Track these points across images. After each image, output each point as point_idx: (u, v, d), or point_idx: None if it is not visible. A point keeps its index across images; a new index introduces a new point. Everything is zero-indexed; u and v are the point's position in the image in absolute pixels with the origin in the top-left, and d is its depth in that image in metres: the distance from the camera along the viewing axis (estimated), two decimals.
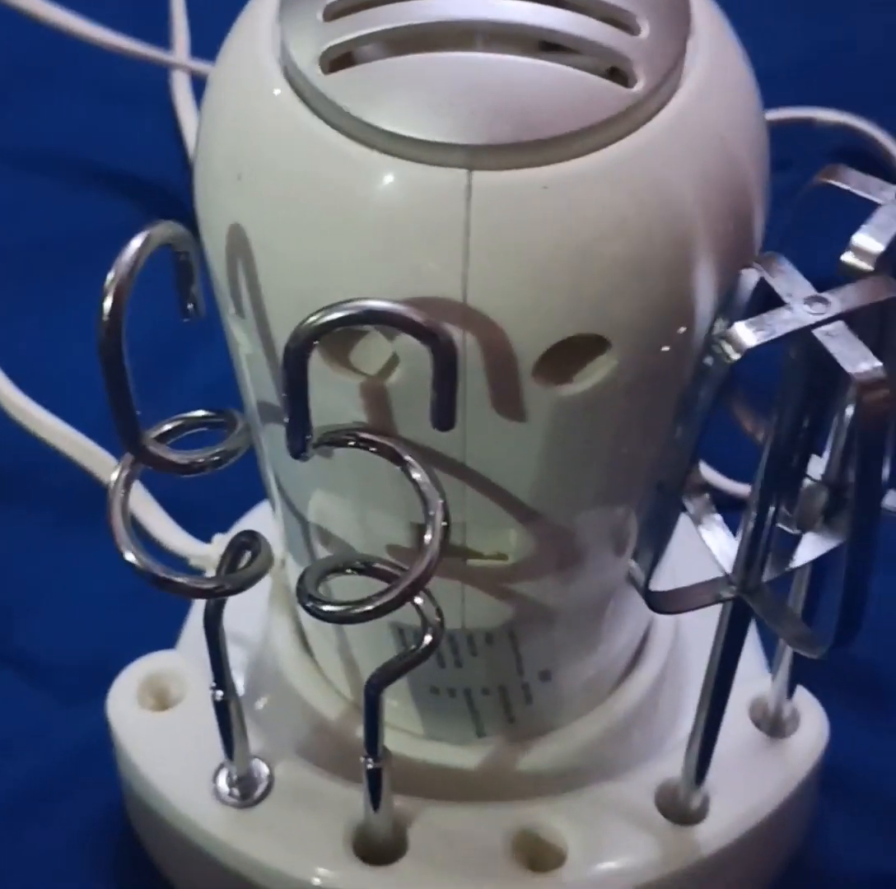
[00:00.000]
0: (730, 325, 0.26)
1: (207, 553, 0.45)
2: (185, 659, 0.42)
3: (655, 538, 0.31)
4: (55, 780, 0.44)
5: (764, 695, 0.40)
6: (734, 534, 0.32)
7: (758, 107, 0.30)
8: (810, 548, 0.32)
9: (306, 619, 0.42)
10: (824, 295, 0.26)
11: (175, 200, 0.58)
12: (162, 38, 0.61)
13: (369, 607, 0.30)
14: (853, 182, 0.28)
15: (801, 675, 0.39)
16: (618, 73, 0.28)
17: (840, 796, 0.43)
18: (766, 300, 0.27)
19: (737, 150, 0.28)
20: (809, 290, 0.26)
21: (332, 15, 0.28)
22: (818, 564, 0.33)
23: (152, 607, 0.47)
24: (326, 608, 0.30)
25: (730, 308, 0.28)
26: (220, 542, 0.45)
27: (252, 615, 0.44)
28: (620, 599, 0.38)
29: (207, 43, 0.60)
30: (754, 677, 0.42)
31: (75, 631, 0.48)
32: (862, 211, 0.28)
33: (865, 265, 0.27)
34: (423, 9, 0.27)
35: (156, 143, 0.60)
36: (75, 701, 0.46)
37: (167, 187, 0.59)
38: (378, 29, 0.27)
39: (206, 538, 0.46)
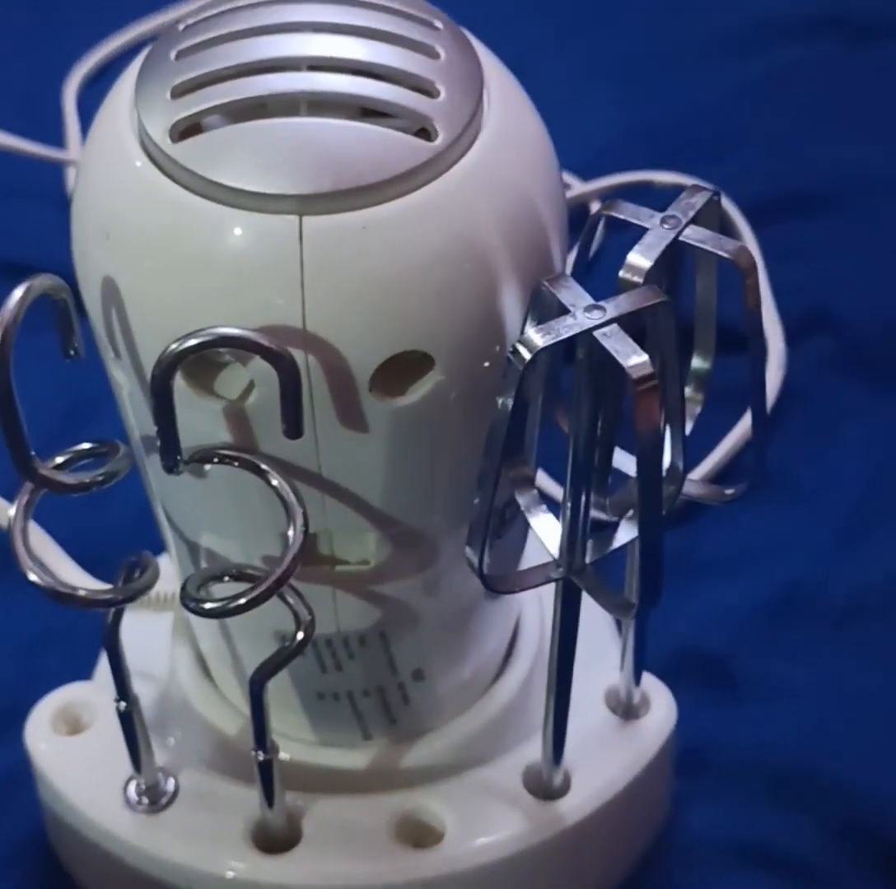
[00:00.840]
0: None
1: (101, 586, 0.48)
2: (97, 688, 0.46)
3: (481, 523, 0.35)
4: None
5: (616, 683, 0.45)
6: None
7: (549, 152, 0.35)
8: (625, 532, 0.37)
9: (204, 645, 0.46)
10: (601, 303, 0.31)
11: (72, 285, 0.63)
12: (55, 137, 0.65)
13: (242, 601, 0.34)
14: (628, 212, 0.33)
15: (644, 663, 0.44)
16: (423, 132, 0.33)
17: (697, 776, 0.48)
18: (560, 313, 0.32)
19: (530, 189, 0.34)
20: (587, 301, 0.31)
21: (179, 93, 0.33)
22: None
23: (60, 649, 0.51)
24: (207, 606, 0.35)
25: (528, 320, 0.33)
26: None
27: (157, 652, 0.48)
28: (483, 604, 0.43)
29: None
30: (611, 668, 0.47)
31: None
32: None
33: (637, 279, 0.32)
34: (256, 84, 0.32)
35: (52, 235, 0.64)
36: None
37: (64, 273, 0.63)
38: (218, 103, 0.32)
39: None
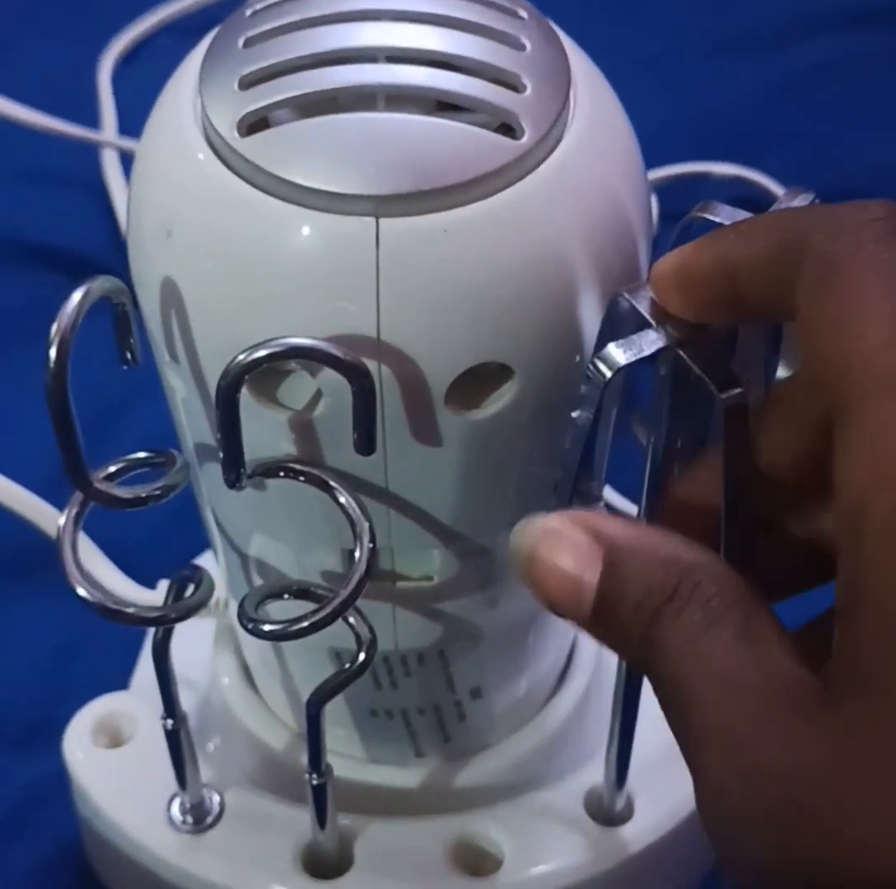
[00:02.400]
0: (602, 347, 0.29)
1: (152, 598, 0.47)
2: (137, 699, 0.44)
3: None
4: (11, 825, 0.46)
5: None
6: None
7: (636, 153, 0.33)
8: None
9: (251, 656, 0.44)
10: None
11: (107, 271, 0.61)
12: (90, 117, 0.64)
13: (305, 624, 0.32)
14: (723, 214, 0.31)
15: None
16: (507, 128, 0.31)
17: None
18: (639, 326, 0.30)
19: (618, 192, 0.31)
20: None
21: (247, 84, 0.31)
22: None
23: (96, 655, 0.50)
24: (266, 628, 0.33)
25: (603, 333, 0.31)
26: (165, 586, 0.47)
27: (198, 659, 0.46)
28: (543, 620, 0.41)
29: (135, 121, 0.63)
30: None
31: (22, 682, 0.50)
32: None
33: None
34: (329, 75, 0.30)
35: (87, 219, 0.63)
36: (25, 748, 0.48)
37: (99, 259, 0.61)
38: (290, 95, 0.30)
39: (150, 587, 0.48)
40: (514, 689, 0.42)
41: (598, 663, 0.45)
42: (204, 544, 0.49)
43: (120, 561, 0.48)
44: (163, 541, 0.52)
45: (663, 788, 0.41)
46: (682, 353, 0.28)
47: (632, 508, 0.52)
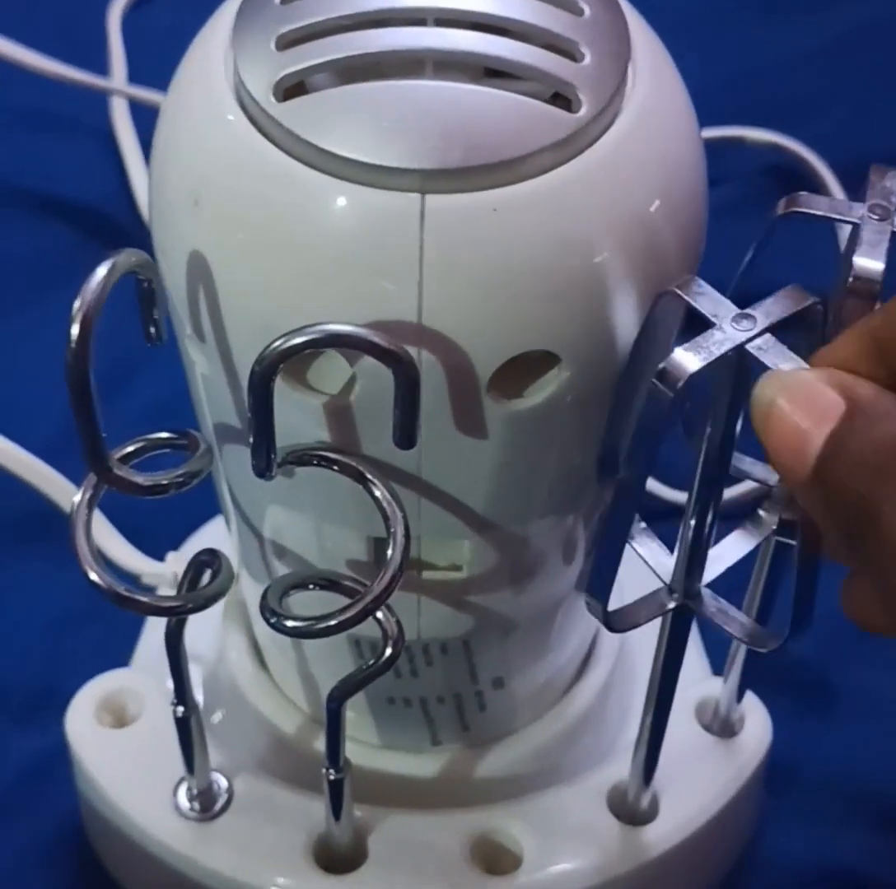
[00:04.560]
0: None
1: (161, 571, 0.45)
2: (142, 676, 0.42)
3: (610, 564, 0.31)
4: (10, 800, 0.45)
5: (709, 697, 0.41)
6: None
7: (696, 130, 0.31)
8: (738, 546, 0.33)
9: (262, 635, 0.42)
10: (749, 311, 0.27)
11: (115, 224, 0.59)
12: (100, 64, 0.61)
13: (332, 622, 0.30)
14: (821, 206, 0.29)
15: (750, 679, 0.40)
16: (561, 99, 0.29)
17: (785, 792, 0.45)
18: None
19: (678, 171, 0.29)
20: (732, 309, 0.27)
21: (284, 44, 0.28)
22: (774, 566, 0.34)
23: (98, 628, 0.48)
24: (290, 624, 0.31)
25: (648, 331, 0.29)
26: (174, 559, 0.46)
27: (205, 631, 0.44)
28: (569, 609, 0.39)
29: (145, 69, 0.61)
30: (699, 680, 0.43)
31: (23, 652, 0.48)
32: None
33: (876, 286, 0.28)
34: (374, 38, 0.28)
35: (94, 169, 0.61)
36: (26, 721, 0.46)
37: (107, 211, 0.59)
38: (331, 58, 0.28)
39: (157, 555, 0.46)
40: (537, 678, 0.41)
41: (620, 650, 0.44)
42: (215, 509, 0.47)
43: (126, 525, 0.47)
44: (171, 508, 0.50)
45: (690, 787, 0.40)
46: (750, 349, 0.26)
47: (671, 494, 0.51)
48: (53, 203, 0.60)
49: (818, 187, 0.60)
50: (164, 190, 0.30)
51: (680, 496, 0.49)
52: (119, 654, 0.46)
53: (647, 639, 0.38)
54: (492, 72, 0.29)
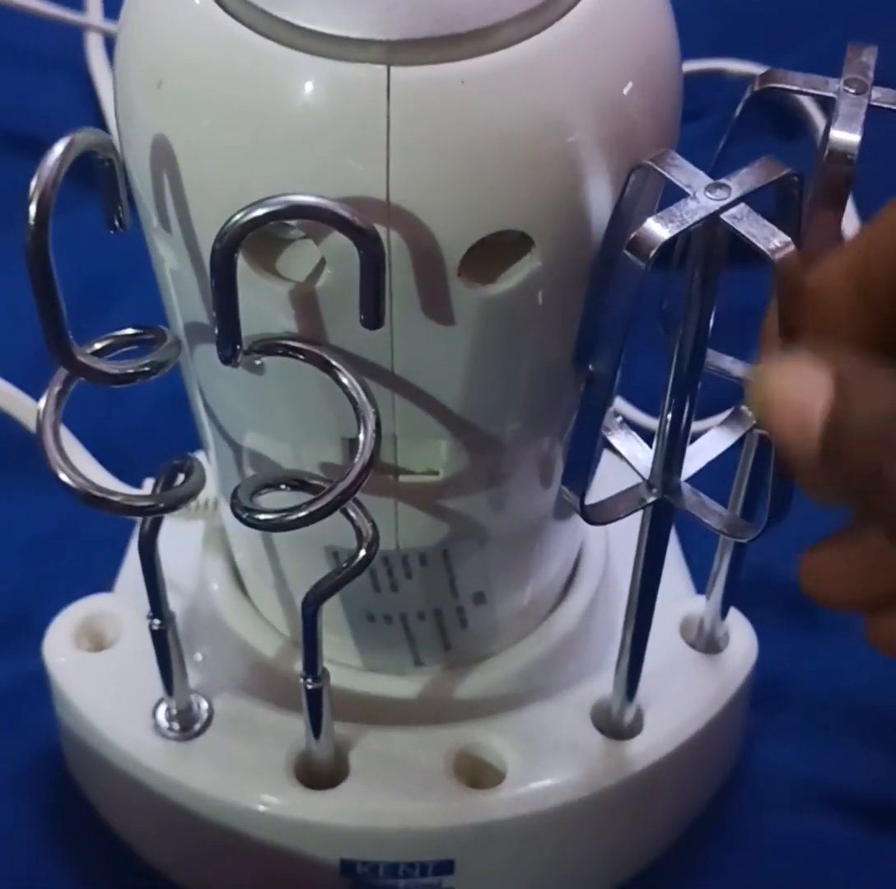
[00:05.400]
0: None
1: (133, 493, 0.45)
2: (120, 601, 0.42)
3: (585, 451, 0.31)
4: None
5: (693, 614, 0.41)
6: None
7: (668, 9, 0.30)
8: (718, 442, 0.32)
9: (242, 559, 0.42)
10: (723, 181, 0.27)
11: (90, 161, 0.58)
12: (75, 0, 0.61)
13: (303, 513, 0.30)
14: (798, 82, 0.29)
15: (733, 595, 0.40)
16: None
17: (772, 710, 0.44)
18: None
19: (650, 48, 0.29)
20: (706, 180, 0.27)
21: None
22: (757, 457, 0.34)
23: (78, 554, 0.47)
24: (261, 517, 0.30)
25: (623, 209, 0.29)
26: (150, 485, 0.45)
27: (186, 563, 0.44)
28: (550, 527, 0.39)
29: (120, 4, 0.60)
30: (682, 597, 0.43)
31: (1, 579, 0.47)
32: None
33: (851, 157, 0.28)
34: None
35: (70, 105, 0.60)
36: (3, 646, 0.46)
37: None
38: None
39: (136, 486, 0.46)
40: (519, 595, 0.40)
41: (605, 572, 0.43)
42: (190, 445, 0.47)
43: (101, 461, 0.46)
44: (146, 440, 0.49)
45: (675, 702, 0.40)
46: (724, 218, 0.26)
47: (639, 416, 0.50)
48: (28, 140, 0.59)
49: (802, 120, 0.59)
50: (126, 75, 0.30)
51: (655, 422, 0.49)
52: (99, 580, 0.45)
53: (630, 561, 0.37)
54: None
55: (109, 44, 0.60)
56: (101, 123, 0.59)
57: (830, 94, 0.29)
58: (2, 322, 0.50)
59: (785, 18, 0.65)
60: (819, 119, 0.58)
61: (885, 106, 0.29)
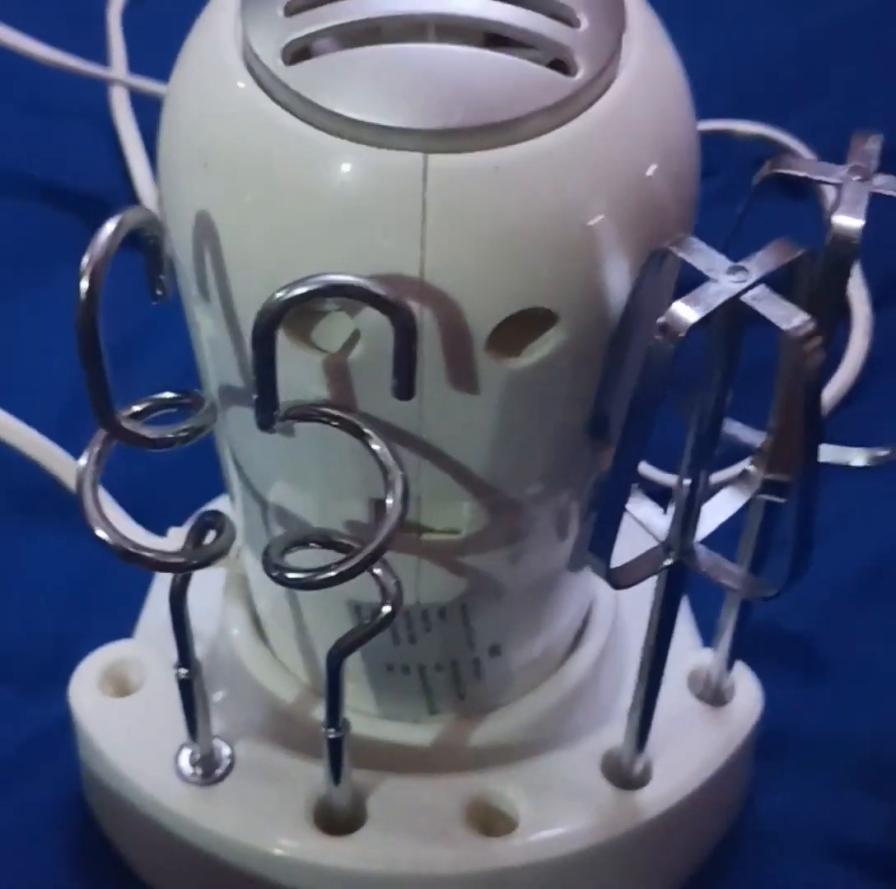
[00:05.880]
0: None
1: (164, 546, 0.46)
2: (144, 647, 0.43)
3: (612, 521, 0.32)
4: (13, 769, 0.45)
5: (701, 666, 0.42)
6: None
7: (687, 95, 0.32)
8: (729, 503, 0.34)
9: (263, 607, 0.43)
10: (742, 264, 0.28)
11: (115, 213, 0.60)
12: (100, 54, 0.62)
13: (332, 573, 0.31)
14: (805, 168, 0.30)
15: (739, 648, 0.41)
16: (560, 64, 0.29)
17: (777, 760, 0.45)
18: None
19: (673, 135, 0.30)
20: (726, 263, 0.28)
21: (292, 10, 0.29)
22: (765, 518, 0.35)
23: (102, 599, 0.49)
24: (292, 576, 0.32)
25: (642, 290, 0.30)
26: (176, 535, 0.46)
27: (206, 610, 0.45)
28: (564, 580, 0.40)
29: (145, 59, 0.62)
30: (689, 650, 0.44)
31: (30, 625, 0.49)
32: None
33: (855, 242, 0.29)
34: (378, 4, 0.29)
35: (95, 158, 0.62)
36: (30, 692, 0.47)
37: (107, 200, 0.60)
38: (338, 22, 0.29)
39: (161, 534, 0.47)
40: (533, 646, 0.41)
41: (615, 622, 0.44)
42: (213, 492, 0.48)
43: (129, 506, 0.47)
44: (171, 489, 0.50)
45: (683, 753, 0.41)
46: (746, 300, 0.27)
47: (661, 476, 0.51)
48: (55, 192, 0.60)
49: (811, 188, 0.61)
50: (173, 154, 0.31)
51: (670, 479, 0.50)
52: (123, 626, 0.46)
53: (638, 613, 0.38)
54: (491, 42, 0.30)
55: (134, 96, 0.61)
56: (125, 175, 0.60)
57: (836, 181, 0.30)
58: (34, 373, 0.52)
59: (793, 76, 0.67)
60: (828, 189, 0.59)
61: (887, 193, 0.30)
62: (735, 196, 0.63)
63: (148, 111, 0.59)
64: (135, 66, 0.62)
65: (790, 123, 0.63)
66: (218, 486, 0.41)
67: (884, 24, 0.69)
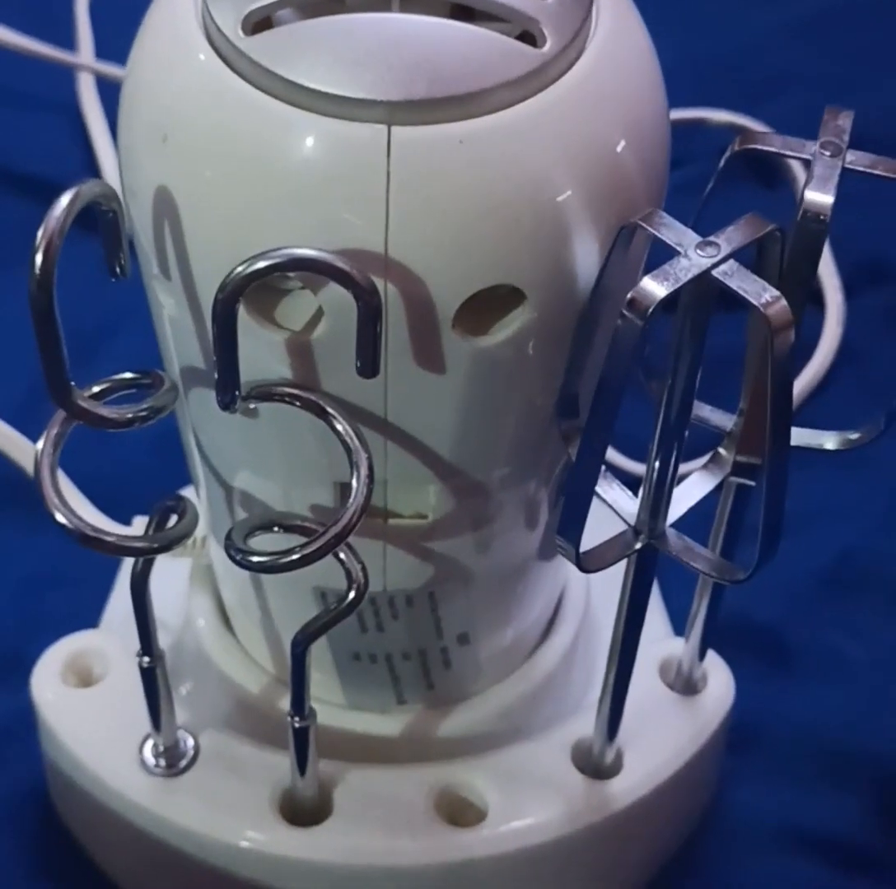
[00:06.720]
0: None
1: (127, 534, 0.45)
2: (108, 637, 0.42)
3: (581, 503, 0.31)
4: None
5: (672, 656, 0.42)
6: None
7: (657, 70, 0.31)
8: (699, 486, 0.33)
9: (229, 597, 0.42)
10: (712, 239, 0.28)
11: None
12: (67, 40, 0.61)
13: (296, 556, 0.31)
14: (777, 143, 0.30)
15: (711, 637, 0.41)
16: (527, 36, 0.29)
17: (747, 752, 0.45)
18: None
19: (641, 108, 0.30)
20: (695, 238, 0.28)
21: None
22: (736, 502, 0.34)
23: (65, 592, 0.48)
24: (255, 559, 0.31)
25: (611, 265, 0.29)
26: (140, 523, 0.46)
27: (171, 600, 0.44)
28: (535, 566, 0.39)
29: (113, 45, 0.61)
30: (661, 639, 0.44)
31: None
32: None
33: (824, 218, 0.29)
34: None
35: (61, 145, 0.61)
36: None
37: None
38: None
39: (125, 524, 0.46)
40: (502, 636, 0.41)
41: (585, 614, 0.44)
42: (179, 483, 0.47)
43: (92, 497, 0.46)
44: (134, 475, 0.50)
45: (654, 742, 0.40)
46: (716, 274, 0.27)
47: (630, 465, 0.51)
48: (19, 178, 0.59)
49: (779, 168, 0.60)
50: (132, 128, 0.30)
51: (638, 467, 0.50)
52: (86, 618, 0.46)
53: (609, 603, 0.38)
54: (458, 11, 0.30)
55: (101, 83, 0.61)
56: (91, 162, 0.60)
57: (806, 157, 0.30)
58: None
59: (765, 67, 0.67)
60: (798, 169, 0.59)
61: (859, 169, 0.30)
62: (706, 185, 0.63)
63: (115, 98, 0.58)
64: (102, 51, 0.61)
65: (761, 114, 0.62)
66: (184, 479, 0.40)
67: (856, 15, 0.69)
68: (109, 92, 0.60)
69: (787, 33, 0.68)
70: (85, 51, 0.61)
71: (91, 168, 0.60)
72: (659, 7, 0.69)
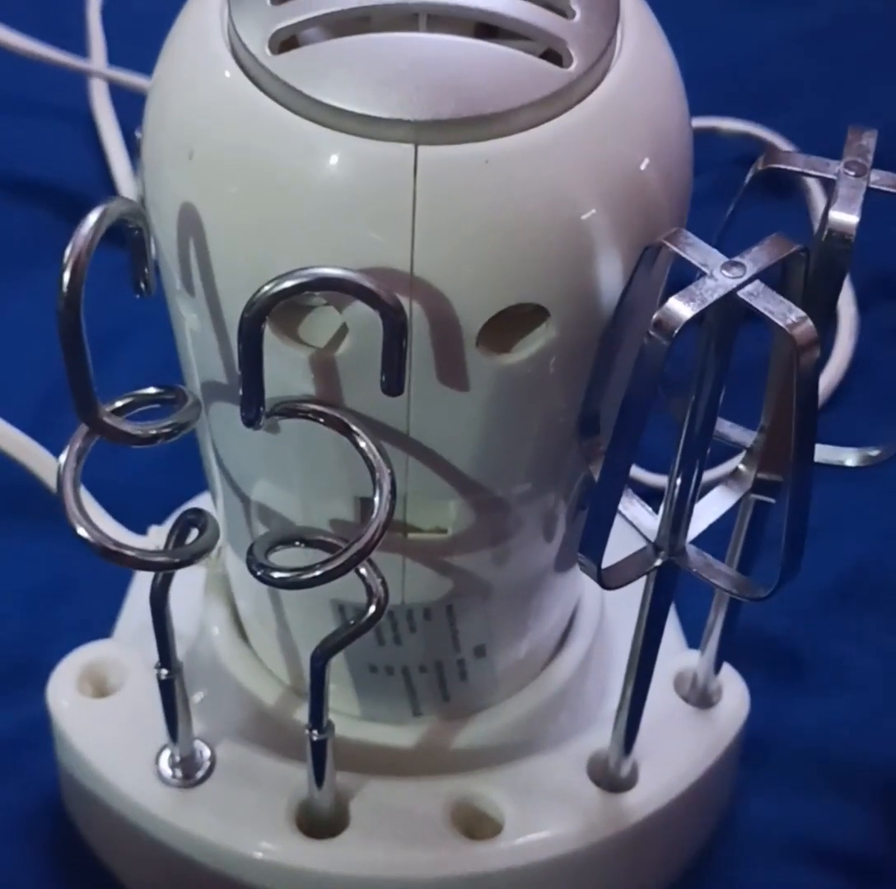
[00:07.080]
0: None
1: (143, 544, 0.45)
2: (123, 648, 0.42)
3: (603, 522, 0.31)
4: None
5: (687, 669, 0.42)
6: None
7: (681, 88, 0.31)
8: (720, 503, 0.33)
9: (244, 607, 0.42)
10: (737, 259, 0.28)
11: (94, 206, 0.59)
12: (78, 46, 0.61)
13: (318, 572, 0.31)
14: (800, 163, 0.30)
15: (726, 651, 0.41)
16: (553, 56, 0.29)
17: (761, 764, 0.45)
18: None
19: (666, 128, 0.30)
20: (721, 258, 0.28)
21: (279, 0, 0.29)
22: (755, 518, 0.34)
23: (80, 601, 0.48)
24: (276, 575, 0.31)
25: (635, 285, 0.29)
26: (156, 533, 0.46)
27: (185, 609, 0.44)
28: (550, 581, 0.39)
29: (125, 51, 0.61)
30: (676, 652, 0.44)
31: (4, 624, 0.48)
32: None
33: (849, 238, 0.29)
34: None
35: (74, 152, 0.61)
36: (7, 693, 0.46)
37: (86, 193, 0.59)
38: (326, 11, 0.28)
39: (140, 533, 0.46)
40: (518, 648, 0.41)
41: (601, 624, 0.44)
42: (193, 491, 0.47)
43: (108, 504, 0.46)
44: (151, 488, 0.50)
45: (669, 755, 0.40)
46: (741, 295, 0.27)
47: (646, 476, 0.51)
48: (33, 185, 0.59)
49: (791, 180, 0.60)
50: (157, 144, 0.31)
51: (656, 479, 0.50)
52: (101, 626, 0.46)
53: (624, 616, 0.38)
54: (483, 31, 0.30)
55: (113, 89, 0.61)
56: (103, 168, 0.60)
57: (831, 176, 0.30)
58: (10, 369, 0.51)
59: (777, 76, 0.67)
60: (812, 182, 0.59)
61: (884, 189, 0.30)
62: (721, 195, 0.63)
63: (128, 104, 0.59)
64: (114, 58, 0.61)
65: (773, 123, 0.62)
66: (199, 485, 0.40)
67: (867, 23, 0.69)
68: (121, 98, 0.60)
69: (798, 42, 0.68)
70: (97, 57, 0.61)
71: (103, 174, 0.60)
72: (669, 16, 0.69)
